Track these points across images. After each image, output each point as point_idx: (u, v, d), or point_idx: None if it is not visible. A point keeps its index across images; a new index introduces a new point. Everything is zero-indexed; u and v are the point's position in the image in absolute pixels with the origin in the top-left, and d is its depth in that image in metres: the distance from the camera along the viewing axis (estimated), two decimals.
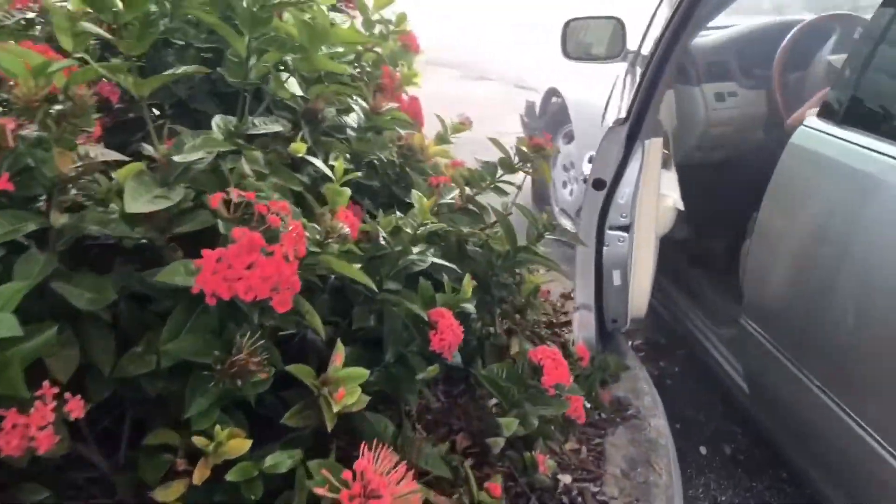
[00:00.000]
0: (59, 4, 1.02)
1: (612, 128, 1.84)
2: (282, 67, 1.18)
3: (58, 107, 0.79)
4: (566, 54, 2.56)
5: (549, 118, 3.79)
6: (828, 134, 1.59)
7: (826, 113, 1.64)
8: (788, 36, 2.55)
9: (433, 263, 1.12)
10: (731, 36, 2.75)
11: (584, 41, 2.58)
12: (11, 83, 0.79)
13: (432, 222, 1.13)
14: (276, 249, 0.76)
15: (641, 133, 1.82)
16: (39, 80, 0.78)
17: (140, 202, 0.82)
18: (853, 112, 1.57)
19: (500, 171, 1.45)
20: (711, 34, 2.81)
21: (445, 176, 1.36)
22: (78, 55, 0.91)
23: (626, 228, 1.92)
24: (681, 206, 2.02)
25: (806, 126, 1.67)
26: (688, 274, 2.70)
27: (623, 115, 1.85)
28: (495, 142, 1.47)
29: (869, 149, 1.46)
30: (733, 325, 1.97)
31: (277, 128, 1.09)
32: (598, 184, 1.85)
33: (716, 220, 2.70)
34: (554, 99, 3.74)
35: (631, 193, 1.88)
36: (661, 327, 2.70)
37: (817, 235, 1.57)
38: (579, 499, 1.30)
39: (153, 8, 0.97)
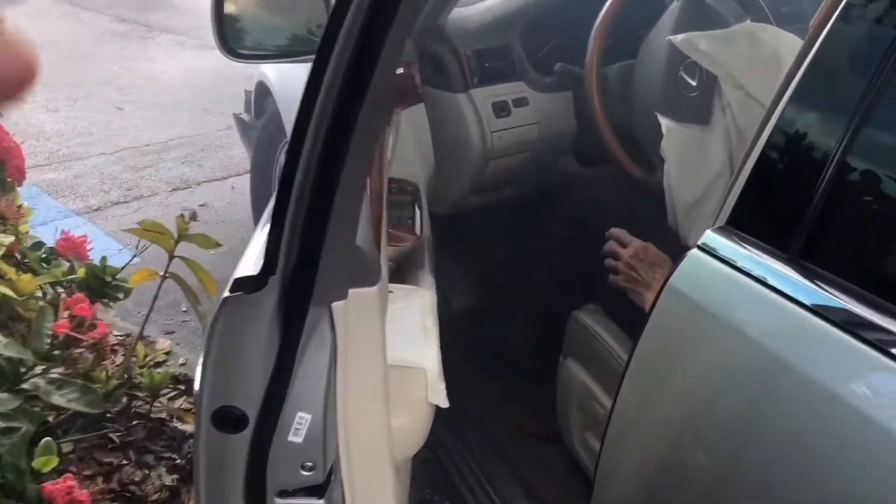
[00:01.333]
0: None
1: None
2: None
3: None
4: (228, 51, 1.37)
5: (268, 123, 2.58)
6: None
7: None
8: (607, 4, 1.53)
9: None
10: (514, 6, 1.68)
11: (258, 24, 1.41)
12: None
13: None
14: None
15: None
16: None
17: None
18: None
19: None
20: (481, 4, 1.73)
21: None
22: None
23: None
24: (444, 402, 0.96)
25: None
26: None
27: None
28: None
29: None
30: None
31: None
32: None
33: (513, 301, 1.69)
34: (269, 98, 2.52)
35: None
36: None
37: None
38: None
39: None
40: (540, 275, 1.60)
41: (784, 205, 0.74)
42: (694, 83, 1.47)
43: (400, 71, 1.44)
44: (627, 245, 1.32)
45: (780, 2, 1.88)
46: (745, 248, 0.73)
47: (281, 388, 0.73)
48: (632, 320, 1.36)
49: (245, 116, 2.91)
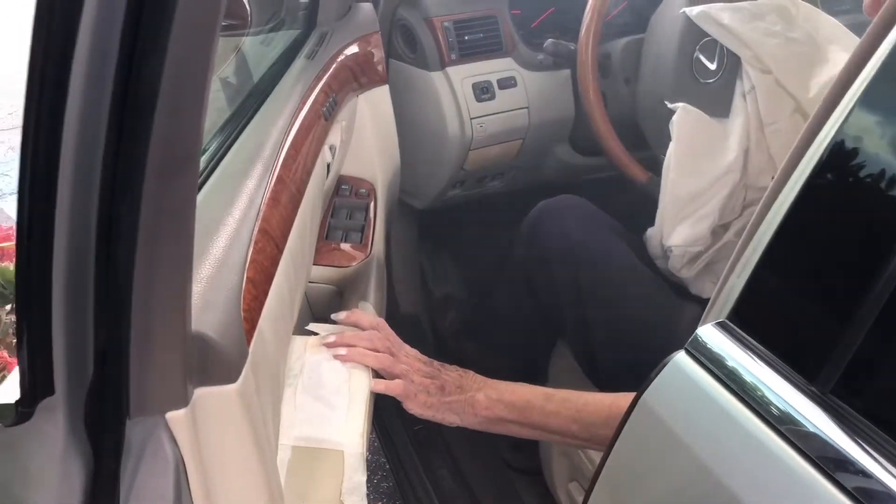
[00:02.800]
0: None
1: None
2: None
3: None
4: None
5: None
6: None
7: None
8: None
9: None
10: None
11: None
12: None
13: None
14: None
15: None
16: None
17: None
18: None
19: None
20: None
21: None
22: None
23: None
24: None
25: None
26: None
27: None
28: None
29: None
30: None
31: None
32: None
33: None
34: None
35: None
36: None
37: None
38: None
39: None
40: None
41: (818, 305, 0.51)
42: (713, 66, 1.23)
43: (356, 47, 1.21)
44: (398, 346, 0.95)
45: None
46: (750, 359, 0.50)
47: None
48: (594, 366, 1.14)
49: None
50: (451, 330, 1.67)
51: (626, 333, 1.07)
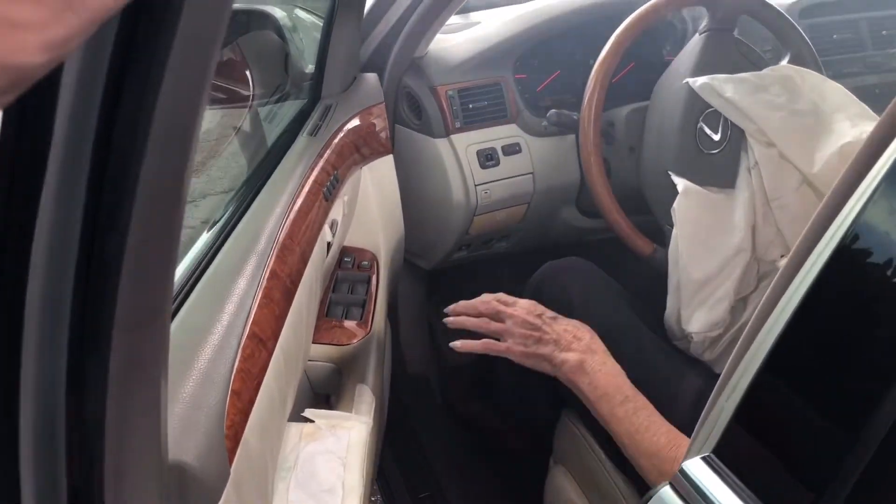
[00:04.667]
0: None
1: None
2: None
3: None
4: None
5: None
6: None
7: None
8: (619, 30, 1.29)
9: None
10: (506, 36, 1.44)
11: None
12: None
13: None
14: None
15: None
16: None
17: None
18: None
19: None
20: (465, 34, 1.49)
21: None
22: None
23: None
24: None
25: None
26: None
27: None
28: None
29: None
30: None
31: None
32: None
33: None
34: None
35: None
36: None
37: None
38: None
39: None
40: None
41: (812, 446, 0.49)
42: (717, 137, 1.22)
43: (358, 120, 1.22)
44: (513, 304, 1.07)
45: (832, 27, 1.61)
46: (737, 500, 0.49)
47: None
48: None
49: None
50: (458, 392, 1.66)
51: None
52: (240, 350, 0.66)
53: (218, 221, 0.86)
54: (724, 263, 1.16)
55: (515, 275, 1.45)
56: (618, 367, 0.99)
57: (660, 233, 1.28)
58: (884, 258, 0.46)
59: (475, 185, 1.38)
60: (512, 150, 1.41)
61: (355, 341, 1.07)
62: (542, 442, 1.33)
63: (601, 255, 1.53)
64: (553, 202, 1.49)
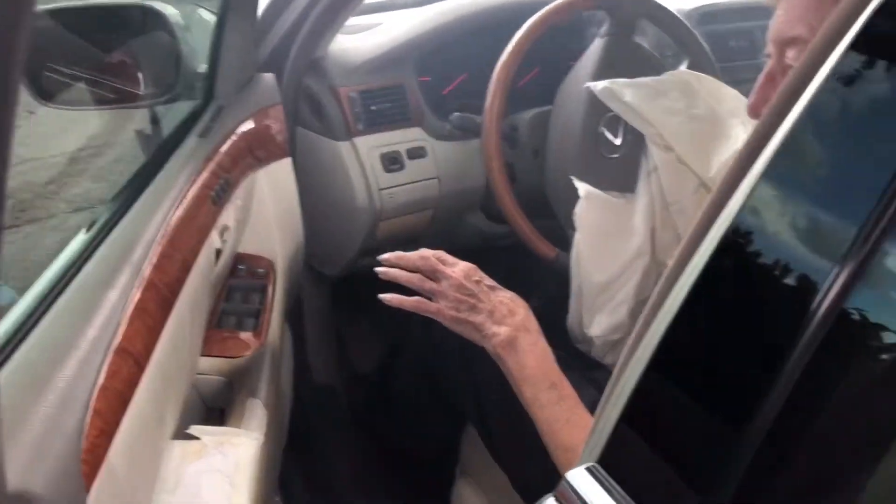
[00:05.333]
0: None
1: None
2: None
3: None
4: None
5: None
6: None
7: None
8: (519, 33, 1.28)
9: None
10: (408, 37, 1.42)
11: None
12: None
13: None
14: None
15: None
16: None
17: None
18: None
19: None
20: (367, 34, 1.47)
21: None
22: None
23: None
24: None
25: None
26: None
27: None
28: None
29: None
30: None
31: None
32: None
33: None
34: None
35: None
36: None
37: None
38: None
39: None
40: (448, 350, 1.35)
41: (689, 455, 0.49)
42: (617, 141, 1.24)
43: (253, 122, 1.18)
44: (452, 264, 1.02)
45: (729, 34, 1.66)
46: None
47: None
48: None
49: None
50: (363, 402, 1.63)
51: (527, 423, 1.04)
52: (105, 366, 0.62)
53: (91, 228, 0.81)
54: (625, 267, 1.17)
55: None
56: (548, 350, 0.95)
57: (564, 237, 1.29)
58: (763, 255, 0.46)
59: (379, 190, 1.36)
60: (417, 153, 1.39)
61: (248, 353, 1.03)
62: (448, 452, 1.31)
63: (510, 259, 1.52)
64: (460, 207, 1.48)
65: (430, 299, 1.00)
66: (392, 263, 1.03)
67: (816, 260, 0.42)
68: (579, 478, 0.51)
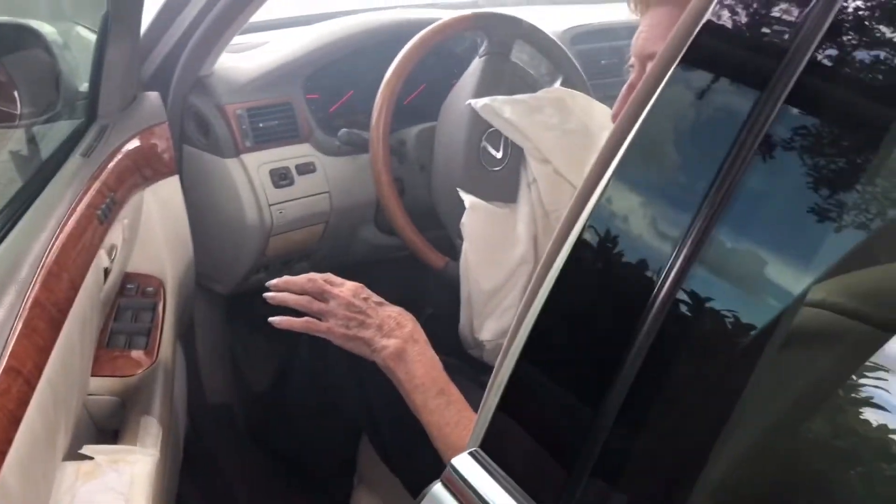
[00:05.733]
0: None
1: None
2: None
3: None
4: None
5: None
6: None
7: None
8: (402, 53, 1.33)
9: None
10: (296, 55, 1.45)
11: None
12: None
13: None
14: None
15: None
16: None
17: None
18: None
19: None
20: (253, 53, 1.49)
21: None
22: None
23: None
24: None
25: None
26: None
27: None
28: None
29: None
30: None
31: None
32: None
33: None
34: None
35: None
36: None
37: None
38: None
39: None
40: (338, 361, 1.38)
41: (553, 433, 0.54)
42: (499, 155, 1.31)
43: (138, 140, 1.18)
44: (339, 284, 1.06)
45: (600, 53, 1.77)
46: (500, 491, 0.53)
47: None
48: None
49: None
50: (260, 419, 1.63)
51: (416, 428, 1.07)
52: None
53: None
54: (510, 274, 1.24)
55: None
56: (436, 358, 1.00)
57: (453, 247, 1.34)
58: (614, 246, 0.52)
59: (269, 205, 1.38)
60: (306, 169, 1.42)
61: (140, 371, 1.03)
62: (345, 463, 1.34)
63: (402, 271, 1.57)
64: (352, 221, 1.52)
65: (319, 319, 1.03)
66: (280, 288, 1.06)
67: (657, 248, 0.49)
68: (463, 462, 0.56)
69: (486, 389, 0.61)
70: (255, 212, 1.37)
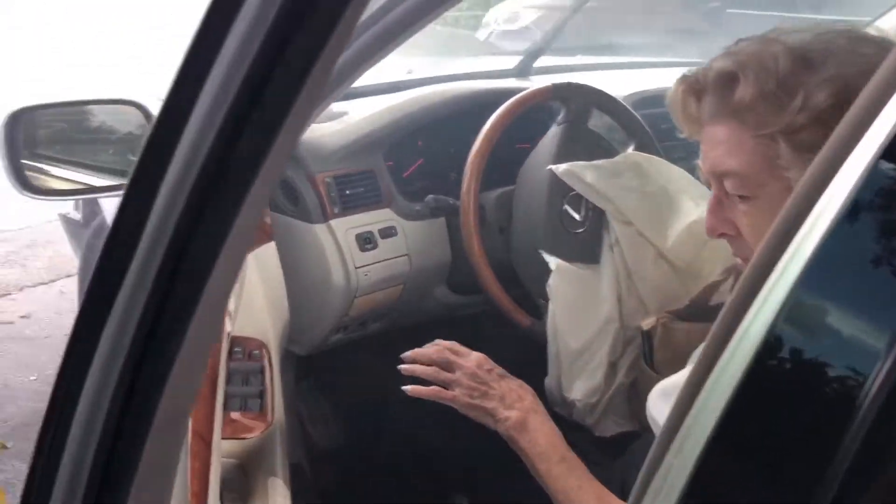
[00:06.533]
0: None
1: None
2: None
3: None
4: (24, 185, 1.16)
5: (99, 228, 2.29)
6: None
7: None
8: (490, 122, 1.40)
9: None
10: (378, 125, 1.53)
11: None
12: None
13: None
14: None
15: None
16: None
17: None
18: None
19: None
20: (338, 124, 1.56)
21: None
22: None
23: None
24: None
25: None
26: None
27: None
28: None
29: None
30: None
31: None
32: None
33: None
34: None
35: None
36: None
37: None
38: None
39: None
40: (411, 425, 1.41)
41: None
42: (579, 217, 1.36)
43: None
44: (465, 355, 1.11)
45: (660, 118, 1.84)
46: None
47: None
48: None
49: (74, 215, 2.59)
50: (332, 483, 1.65)
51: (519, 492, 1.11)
52: (188, 449, 0.67)
53: None
54: (597, 333, 1.28)
55: (390, 361, 1.50)
56: (555, 428, 1.04)
57: (533, 306, 1.39)
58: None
59: (356, 268, 1.43)
60: (388, 233, 1.48)
61: (257, 433, 1.07)
62: None
63: (470, 328, 1.61)
64: (427, 281, 1.57)
65: (445, 387, 1.09)
66: (411, 359, 1.12)
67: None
68: None
69: (654, 454, 0.56)
70: (342, 274, 1.42)
